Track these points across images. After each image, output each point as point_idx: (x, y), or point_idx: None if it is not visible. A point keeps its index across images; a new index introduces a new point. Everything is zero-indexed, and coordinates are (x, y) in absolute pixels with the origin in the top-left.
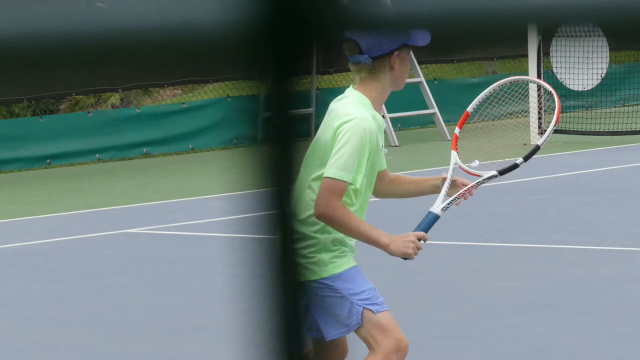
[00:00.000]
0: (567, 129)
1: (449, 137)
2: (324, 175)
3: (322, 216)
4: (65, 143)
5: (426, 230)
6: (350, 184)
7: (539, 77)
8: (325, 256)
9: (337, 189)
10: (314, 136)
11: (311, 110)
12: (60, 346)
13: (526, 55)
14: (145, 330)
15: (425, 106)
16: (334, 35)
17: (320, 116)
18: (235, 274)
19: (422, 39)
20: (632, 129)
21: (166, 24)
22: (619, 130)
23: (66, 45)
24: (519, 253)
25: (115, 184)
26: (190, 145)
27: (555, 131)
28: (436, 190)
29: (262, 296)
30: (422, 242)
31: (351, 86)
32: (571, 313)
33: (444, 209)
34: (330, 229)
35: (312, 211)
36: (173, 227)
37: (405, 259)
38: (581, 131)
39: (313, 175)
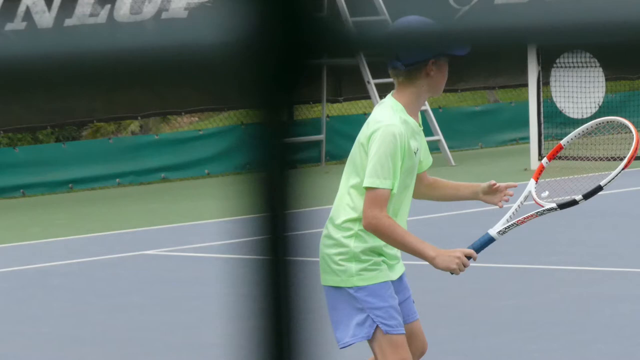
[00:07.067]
0: (566, 155)
1: (453, 163)
2: (363, 186)
3: (368, 227)
4: (87, 168)
5: (477, 250)
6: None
7: (538, 105)
8: (353, 266)
9: (378, 197)
10: (325, 161)
11: (322, 137)
12: None
13: (526, 85)
14: (161, 348)
15: (430, 133)
16: (338, 57)
17: (331, 143)
18: (245, 295)
19: (461, 48)
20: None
21: (168, 47)
22: (615, 156)
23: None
24: (515, 273)
25: (134, 207)
26: (206, 171)
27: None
28: (475, 196)
29: (270, 317)
30: (470, 260)
31: (392, 92)
32: (565, 331)
33: (501, 233)
34: (366, 238)
35: (347, 216)
36: (188, 249)
37: (452, 273)
38: (579, 157)
39: (351, 182)
